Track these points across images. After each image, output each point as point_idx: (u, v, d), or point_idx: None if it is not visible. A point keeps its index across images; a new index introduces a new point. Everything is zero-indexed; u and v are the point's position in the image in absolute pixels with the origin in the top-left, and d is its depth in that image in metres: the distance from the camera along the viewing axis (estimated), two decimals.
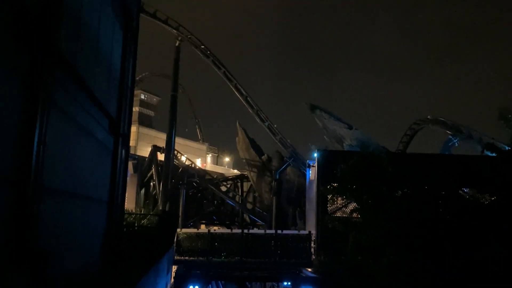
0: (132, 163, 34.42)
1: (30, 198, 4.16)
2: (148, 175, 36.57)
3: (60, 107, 5.14)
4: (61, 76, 5.10)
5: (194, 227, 34.13)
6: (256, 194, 37.66)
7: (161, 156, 34.83)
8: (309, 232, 24.24)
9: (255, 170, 36.64)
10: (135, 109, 58.97)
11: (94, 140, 7.10)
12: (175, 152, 35.41)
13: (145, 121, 63.88)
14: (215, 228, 36.11)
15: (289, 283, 20.60)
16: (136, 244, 11.53)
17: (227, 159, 78.45)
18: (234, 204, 38.71)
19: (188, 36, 34.84)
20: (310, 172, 26.47)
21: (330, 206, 23.15)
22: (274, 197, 32.71)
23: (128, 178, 11.52)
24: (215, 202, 39.77)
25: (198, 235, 24.62)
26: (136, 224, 15.13)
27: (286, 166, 34.07)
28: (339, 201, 22.18)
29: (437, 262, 12.84)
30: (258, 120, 34.84)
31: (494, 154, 16.14)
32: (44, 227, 4.60)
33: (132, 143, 28.87)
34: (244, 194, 40.17)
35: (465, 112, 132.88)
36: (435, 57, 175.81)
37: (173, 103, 33.86)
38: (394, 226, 13.75)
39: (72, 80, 5.61)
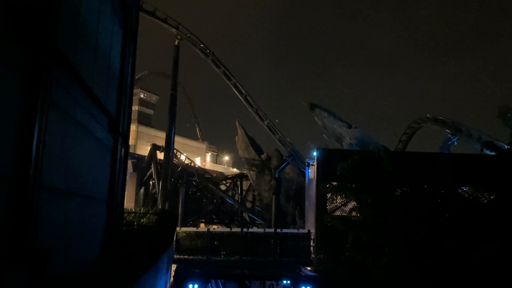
0: (132, 162, 34.44)
1: (29, 197, 4.16)
2: (148, 174, 36.59)
3: (59, 106, 5.14)
4: (60, 75, 5.10)
5: (194, 226, 34.11)
6: (256, 193, 37.67)
7: (160, 155, 34.84)
8: (309, 231, 24.23)
9: (254, 169, 36.66)
10: (135, 108, 58.96)
11: (94, 139, 7.10)
12: (175, 151, 35.42)
13: (144, 120, 63.94)
14: (215, 227, 36.11)
15: (289, 281, 20.62)
16: (135, 243, 11.52)
17: (226, 158, 78.53)
18: (233, 203, 38.72)
19: (188, 35, 34.82)
20: (310, 170, 26.44)
21: (329, 205, 23.15)
22: (273, 196, 32.72)
23: (127, 177, 11.52)
24: (215, 201, 39.79)
25: (198, 234, 24.61)
26: (135, 223, 15.11)
27: (286, 165, 34.07)
28: (339, 199, 22.21)
29: (437, 261, 12.86)
30: (257, 118, 34.84)
31: (493, 153, 16.17)
32: (44, 225, 4.61)
33: (131, 142, 28.85)
34: (244, 193, 40.19)
35: (464, 111, 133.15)
36: (434, 55, 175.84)
37: (172, 101, 33.85)
38: (394, 225, 13.76)
39: (71, 78, 5.60)
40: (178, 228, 24.95)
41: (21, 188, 4.09)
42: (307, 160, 27.70)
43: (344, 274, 16.00)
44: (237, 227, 30.27)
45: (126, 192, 10.32)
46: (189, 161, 39.48)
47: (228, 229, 28.42)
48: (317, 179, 23.63)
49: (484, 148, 18.41)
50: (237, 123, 38.74)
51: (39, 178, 4.39)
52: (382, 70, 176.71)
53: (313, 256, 22.82)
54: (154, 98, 69.18)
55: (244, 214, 38.45)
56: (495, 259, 11.80)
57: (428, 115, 40.57)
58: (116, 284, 7.38)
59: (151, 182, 36.54)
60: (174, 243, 22.67)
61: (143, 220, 16.81)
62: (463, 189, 20.35)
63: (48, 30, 4.55)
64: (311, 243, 23.66)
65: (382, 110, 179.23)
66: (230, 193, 39.63)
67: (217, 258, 23.51)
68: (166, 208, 31.07)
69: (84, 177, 6.61)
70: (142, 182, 36.32)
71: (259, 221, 36.12)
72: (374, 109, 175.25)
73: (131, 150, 34.15)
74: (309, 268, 21.07)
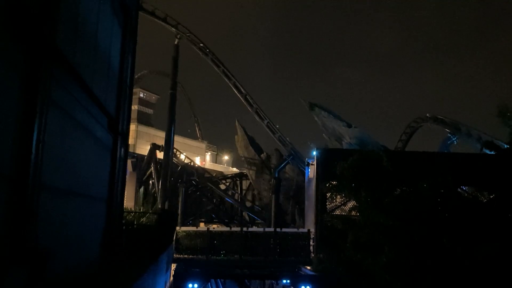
0: (131, 161, 34.43)
1: (29, 196, 4.16)
2: (147, 173, 36.60)
3: (58, 105, 5.13)
4: (60, 75, 5.09)
5: (193, 225, 34.12)
6: (255, 192, 37.70)
7: (160, 154, 34.85)
8: (308, 230, 24.24)
9: (254, 168, 36.66)
10: (134, 107, 58.97)
11: (93, 138, 7.09)
12: (174, 150, 35.42)
13: (144, 119, 63.91)
14: (214, 226, 36.12)
15: (288, 281, 20.63)
16: (135, 243, 11.53)
17: (226, 157, 78.51)
18: (233, 202, 38.75)
19: (187, 34, 34.81)
20: (309, 170, 26.45)
21: (329, 204, 23.15)
22: (273, 195, 32.72)
23: (127, 176, 11.52)
24: (214, 200, 39.81)
25: (197, 233, 24.61)
26: (135, 222, 15.11)
27: (285, 164, 34.08)
28: (338, 199, 22.21)
29: (436, 260, 12.86)
30: (257, 118, 34.83)
31: (493, 152, 16.18)
32: (43, 225, 4.61)
33: (131, 141, 28.83)
34: (243, 192, 40.21)
35: (464, 110, 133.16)
36: (434, 55, 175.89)
37: (172, 101, 33.85)
38: (393, 224, 13.78)
39: (70, 78, 5.60)
40: (177, 228, 24.96)
41: (21, 187, 4.08)
42: (306, 159, 27.72)
43: (344, 274, 16.01)
44: (237, 227, 30.26)
45: (125, 192, 10.31)
46: (189, 161, 39.50)
47: (227, 229, 28.43)
48: (316, 179, 23.63)
49: (483, 148, 18.42)
50: (236, 123, 38.75)
51: (39, 178, 4.39)
52: (382, 70, 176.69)
53: (313, 255, 22.83)
54: (153, 98, 69.16)
55: (243, 213, 38.47)
56: (495, 259, 11.81)
57: (427, 115, 40.62)
58: (116, 284, 7.38)
59: (150, 182, 36.57)
60: (173, 242, 22.68)
61: (143, 219, 16.80)
62: (462, 188, 20.36)
63: (48, 29, 4.54)
64: (311, 243, 23.67)
65: (382, 109, 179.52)
66: (229, 193, 39.65)
67: (216, 258, 23.52)
68: (165, 207, 31.09)
69: (84, 177, 6.60)
70: (141, 181, 36.33)
71: (259, 221, 36.14)
72: (374, 109, 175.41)
73: (130, 150, 34.19)
74: (308, 268, 21.08)
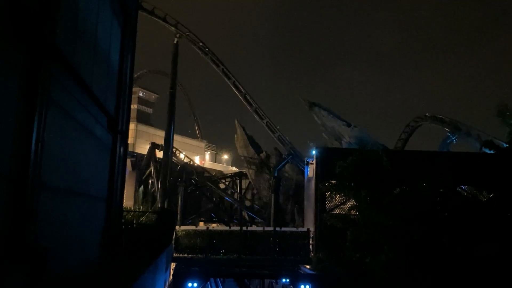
0: (131, 161, 34.41)
1: (28, 196, 4.15)
2: (147, 172, 36.57)
3: (58, 105, 5.13)
4: (59, 73, 5.08)
5: (193, 225, 34.12)
6: (255, 192, 37.69)
7: (159, 154, 34.83)
8: (308, 229, 24.26)
9: (253, 167, 36.65)
10: (133, 106, 58.94)
11: (93, 138, 7.09)
12: (174, 149, 35.39)
13: (143, 119, 63.83)
14: (214, 225, 36.13)
15: (288, 280, 20.65)
16: (135, 242, 11.52)
17: (225, 156, 78.46)
18: (232, 202, 38.75)
19: (187, 34, 34.78)
20: (309, 169, 26.47)
21: (328, 203, 23.18)
22: (272, 195, 32.73)
23: (126, 176, 11.51)
24: (214, 199, 39.81)
25: (197, 233, 24.63)
26: (134, 222, 15.11)
27: (285, 163, 34.09)
28: (338, 198, 22.23)
29: (436, 259, 12.87)
30: (256, 117, 34.83)
31: (492, 152, 16.19)
32: (43, 224, 4.60)
33: (130, 140, 28.83)
34: (243, 191, 40.22)
35: (463, 109, 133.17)
36: (434, 55, 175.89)
37: (171, 100, 33.83)
38: (393, 223, 13.78)
39: (70, 77, 5.59)
40: (177, 227, 24.97)
41: (21, 187, 4.08)
42: (306, 158, 27.74)
43: (343, 273, 16.03)
44: (236, 226, 30.28)
45: (125, 191, 10.31)
46: (188, 160, 39.46)
47: (227, 228, 28.44)
48: (316, 178, 23.65)
49: (483, 147, 18.42)
50: (236, 122, 38.73)
51: (39, 177, 4.38)
52: (382, 70, 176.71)
53: (312, 254, 22.85)
54: (153, 97, 69.09)
55: (243, 212, 38.46)
56: (494, 258, 11.82)
57: (427, 114, 40.64)
58: (116, 284, 7.38)
59: (150, 181, 36.53)
60: (173, 241, 22.68)
61: (142, 219, 16.83)
62: (462, 187, 20.39)
63: (48, 29, 4.53)
64: (310, 242, 23.69)
65: (382, 109, 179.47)
66: (229, 192, 39.65)
67: (216, 257, 23.54)
68: (165, 206, 31.08)
69: (84, 176, 6.60)
70: (141, 180, 36.31)
71: (258, 220, 36.13)
72: (374, 109, 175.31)
73: (130, 149, 34.21)
74: (308, 267, 21.10)
